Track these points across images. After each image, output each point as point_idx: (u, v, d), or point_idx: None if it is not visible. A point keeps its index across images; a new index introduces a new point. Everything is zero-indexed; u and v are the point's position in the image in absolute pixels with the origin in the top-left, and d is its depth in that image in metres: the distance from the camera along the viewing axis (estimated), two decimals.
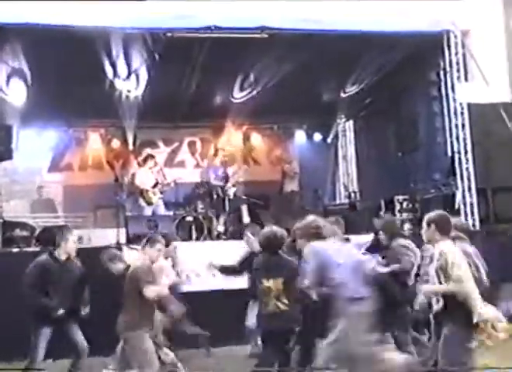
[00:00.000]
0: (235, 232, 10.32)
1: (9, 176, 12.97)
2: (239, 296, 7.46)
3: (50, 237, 8.35)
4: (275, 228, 6.06)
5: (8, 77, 10.36)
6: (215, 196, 11.19)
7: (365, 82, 11.92)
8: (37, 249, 8.70)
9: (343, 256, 5.47)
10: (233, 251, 7.50)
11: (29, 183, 13.25)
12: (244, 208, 11.42)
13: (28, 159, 12.98)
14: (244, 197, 11.82)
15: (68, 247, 6.74)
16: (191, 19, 9.26)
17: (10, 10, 8.43)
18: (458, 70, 10.36)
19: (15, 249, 8.92)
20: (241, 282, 7.19)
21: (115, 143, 13.86)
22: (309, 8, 9.44)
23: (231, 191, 11.47)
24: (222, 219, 10.82)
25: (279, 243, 5.92)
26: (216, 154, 12.84)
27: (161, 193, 11.45)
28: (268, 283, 5.69)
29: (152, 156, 12.17)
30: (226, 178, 11.72)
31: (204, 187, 11.55)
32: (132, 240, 9.23)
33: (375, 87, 12.01)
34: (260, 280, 5.77)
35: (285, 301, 5.66)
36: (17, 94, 10.74)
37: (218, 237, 10.46)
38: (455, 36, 10.35)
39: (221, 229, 10.63)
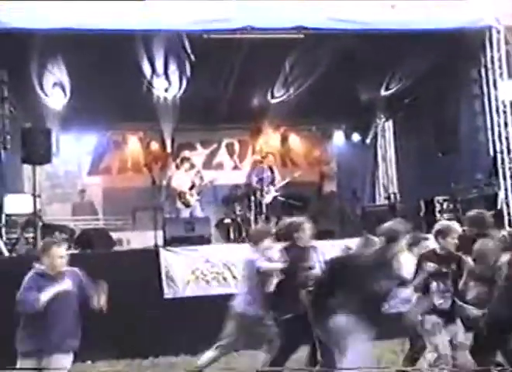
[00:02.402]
0: None
1: (50, 179, 13.16)
2: None
3: (87, 240, 8.45)
4: None
5: (47, 82, 10.47)
6: (253, 198, 11.10)
7: (404, 81, 11.73)
8: (76, 251, 8.76)
9: None
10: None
11: (70, 186, 13.43)
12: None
13: (68, 162, 13.17)
14: (282, 198, 11.72)
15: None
16: (227, 20, 9.22)
17: (48, 15, 8.53)
18: (501, 67, 10.12)
19: None
20: None
21: (154, 146, 13.94)
22: (345, 7, 9.34)
23: (271, 195, 11.36)
24: (258, 221, 10.70)
25: None
26: (265, 157, 12.64)
27: (198, 194, 11.45)
28: None
29: (187, 159, 12.18)
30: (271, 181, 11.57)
31: (242, 190, 11.49)
32: (169, 242, 9.23)
33: (414, 86, 11.80)
34: None
35: None
36: (56, 98, 10.87)
37: None
38: (498, 32, 10.09)
39: None
